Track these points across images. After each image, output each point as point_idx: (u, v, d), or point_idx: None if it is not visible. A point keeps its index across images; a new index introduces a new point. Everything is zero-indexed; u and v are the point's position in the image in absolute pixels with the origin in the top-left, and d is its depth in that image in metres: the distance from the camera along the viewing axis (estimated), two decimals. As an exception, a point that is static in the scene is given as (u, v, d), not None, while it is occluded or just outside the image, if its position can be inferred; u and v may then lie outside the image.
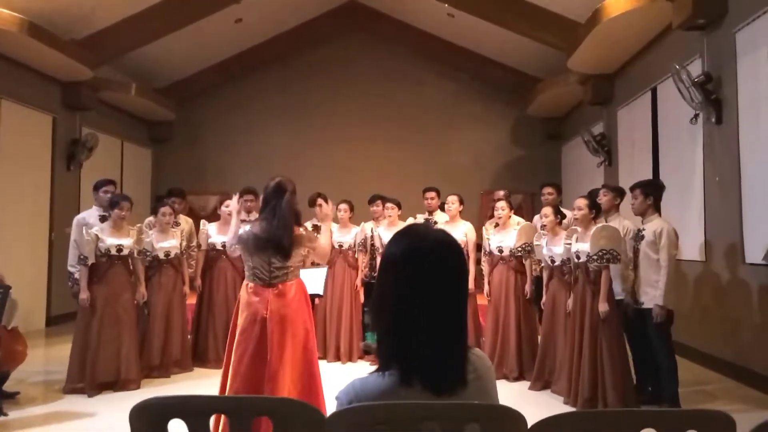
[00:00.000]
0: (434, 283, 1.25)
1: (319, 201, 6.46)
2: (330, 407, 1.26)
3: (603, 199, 4.84)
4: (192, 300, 5.94)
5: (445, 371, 1.24)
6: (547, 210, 4.99)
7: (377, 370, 1.26)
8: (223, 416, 2.89)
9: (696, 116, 5.69)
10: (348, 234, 6.24)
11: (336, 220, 6.41)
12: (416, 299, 1.24)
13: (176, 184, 7.48)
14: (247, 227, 3.29)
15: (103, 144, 8.87)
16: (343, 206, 6.30)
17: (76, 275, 4.99)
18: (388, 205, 6.10)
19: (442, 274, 1.26)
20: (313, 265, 5.63)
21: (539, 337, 5.12)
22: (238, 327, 3.19)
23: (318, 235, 3.52)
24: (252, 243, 3.17)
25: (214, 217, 7.27)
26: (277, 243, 3.13)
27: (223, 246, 5.82)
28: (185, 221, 6.00)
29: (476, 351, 1.33)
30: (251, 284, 3.21)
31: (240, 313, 3.22)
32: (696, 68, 5.67)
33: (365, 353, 1.54)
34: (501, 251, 5.36)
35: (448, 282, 1.27)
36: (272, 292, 3.15)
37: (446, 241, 1.31)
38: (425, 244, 1.28)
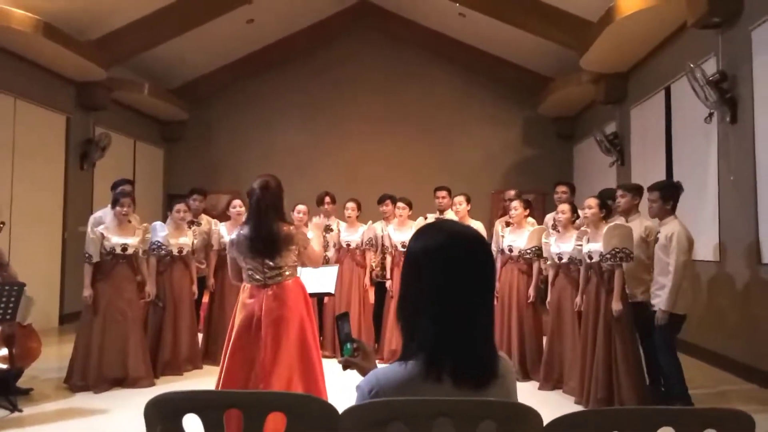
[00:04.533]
0: (466, 278, 1.27)
1: (327, 199, 6.49)
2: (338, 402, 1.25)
3: (621, 200, 4.74)
4: (205, 299, 5.98)
5: (480, 364, 1.25)
6: (565, 207, 4.95)
7: (399, 360, 1.26)
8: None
9: (710, 115, 5.64)
10: (355, 233, 6.23)
11: (342, 218, 6.44)
12: (449, 293, 1.25)
13: (188, 184, 7.53)
14: (238, 231, 3.28)
15: (116, 143, 8.94)
16: (351, 205, 6.30)
17: None
18: (400, 204, 6.07)
19: (474, 269, 1.28)
20: (326, 263, 5.62)
21: (545, 337, 5.10)
22: (234, 329, 3.20)
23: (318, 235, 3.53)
24: (243, 246, 3.17)
25: (225, 216, 7.30)
26: (255, 242, 3.14)
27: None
28: (207, 221, 6.06)
29: (501, 353, 1.34)
30: (248, 285, 3.23)
31: (237, 315, 3.23)
32: (711, 67, 5.61)
33: (344, 369, 1.40)
34: (511, 251, 5.34)
35: (479, 277, 1.29)
36: (267, 293, 3.15)
37: (477, 237, 1.34)
38: (463, 238, 1.31)
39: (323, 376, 3.26)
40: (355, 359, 1.48)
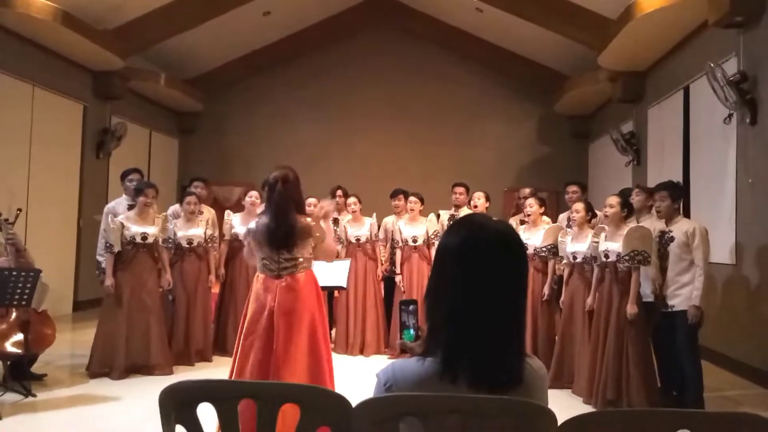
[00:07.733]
0: (495, 275, 1.22)
1: (339, 193, 6.49)
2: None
3: (635, 198, 4.74)
4: (216, 289, 6.00)
5: (499, 369, 1.21)
6: (579, 206, 4.91)
7: (419, 356, 1.25)
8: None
9: (730, 116, 5.56)
10: (362, 227, 6.23)
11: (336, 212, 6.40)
12: (476, 290, 1.21)
13: (202, 175, 7.54)
14: (257, 220, 3.28)
15: (132, 133, 9.00)
16: (353, 200, 6.31)
17: (104, 264, 5.05)
18: (411, 199, 6.07)
19: (503, 266, 1.23)
20: (338, 257, 5.61)
21: (557, 336, 5.07)
22: (247, 319, 3.22)
23: (331, 228, 3.49)
24: (260, 235, 3.18)
25: (237, 207, 7.34)
26: (276, 234, 3.14)
27: (246, 237, 5.88)
28: (208, 211, 6.07)
29: (533, 359, 1.29)
30: (261, 276, 3.23)
31: (250, 305, 3.24)
32: (731, 67, 5.53)
33: (402, 352, 1.53)
34: (526, 249, 5.31)
35: (504, 275, 1.24)
36: (281, 284, 3.15)
37: (508, 232, 1.29)
38: (488, 234, 1.25)
39: (331, 372, 3.25)
40: (412, 344, 1.44)
